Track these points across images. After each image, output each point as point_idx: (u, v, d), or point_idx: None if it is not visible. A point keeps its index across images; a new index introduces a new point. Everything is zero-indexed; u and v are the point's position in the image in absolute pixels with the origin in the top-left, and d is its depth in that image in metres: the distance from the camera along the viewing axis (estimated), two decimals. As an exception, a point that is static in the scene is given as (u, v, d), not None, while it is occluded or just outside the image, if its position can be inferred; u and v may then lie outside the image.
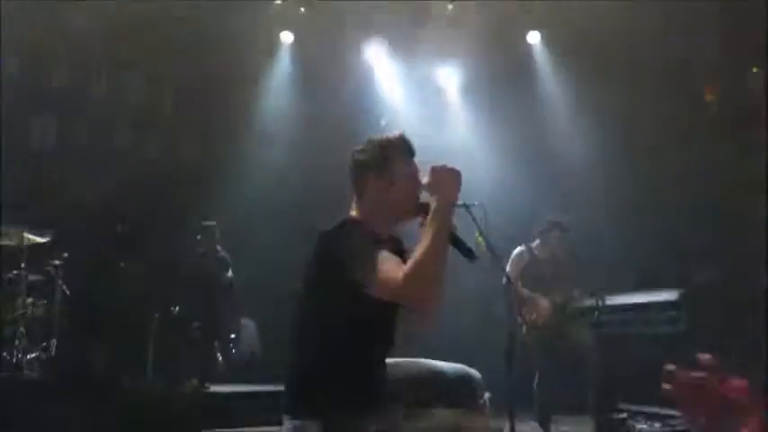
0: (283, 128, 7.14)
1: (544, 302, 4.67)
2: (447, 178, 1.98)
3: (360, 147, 2.17)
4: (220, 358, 6.44)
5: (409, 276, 1.83)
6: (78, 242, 5.77)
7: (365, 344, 1.99)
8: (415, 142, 2.21)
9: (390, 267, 1.87)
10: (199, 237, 6.23)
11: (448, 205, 1.96)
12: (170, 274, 6.16)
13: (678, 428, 4.23)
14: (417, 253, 1.87)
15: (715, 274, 5.81)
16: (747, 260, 5.39)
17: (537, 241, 4.92)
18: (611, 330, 4.96)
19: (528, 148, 6.68)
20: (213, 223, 6.26)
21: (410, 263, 1.86)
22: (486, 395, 2.24)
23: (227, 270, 6.27)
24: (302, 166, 7.24)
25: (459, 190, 1.98)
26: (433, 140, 6.91)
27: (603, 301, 4.60)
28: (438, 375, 2.18)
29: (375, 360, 2.06)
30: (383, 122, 7.87)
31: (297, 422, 1.98)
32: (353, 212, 2.15)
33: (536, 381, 4.71)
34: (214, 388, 5.88)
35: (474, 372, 2.21)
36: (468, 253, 2.08)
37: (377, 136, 2.18)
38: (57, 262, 5.42)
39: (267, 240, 6.84)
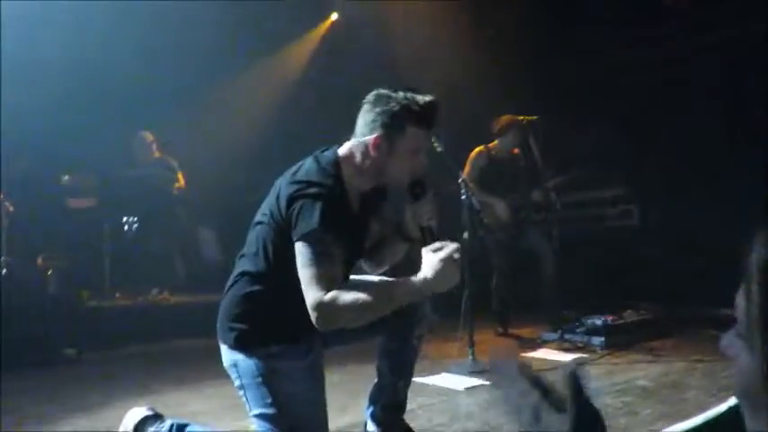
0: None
1: (501, 205, 4.69)
2: (450, 272, 1.76)
3: (383, 92, 1.93)
4: (181, 269, 6.40)
5: (329, 306, 1.72)
6: (15, 158, 5.49)
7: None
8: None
9: (323, 275, 1.74)
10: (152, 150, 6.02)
11: (426, 291, 1.78)
12: (115, 186, 5.96)
13: (629, 320, 4.39)
14: (357, 298, 1.72)
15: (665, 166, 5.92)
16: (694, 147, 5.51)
17: (495, 142, 4.86)
18: (567, 228, 5.04)
19: (486, 43, 6.45)
20: (143, 132, 6.02)
21: (343, 299, 1.72)
22: (435, 317, 2.26)
23: (174, 177, 6.09)
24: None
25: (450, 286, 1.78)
26: (382, 35, 6.67)
27: (559, 199, 4.63)
28: None
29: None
30: (334, 16, 7.50)
31: (236, 354, 1.95)
32: (345, 150, 1.98)
33: (494, 281, 4.82)
34: (176, 299, 5.90)
35: None
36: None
37: (405, 94, 1.91)
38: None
39: (228, 149, 6.66)
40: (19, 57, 5.33)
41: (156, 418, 2.15)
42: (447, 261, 1.75)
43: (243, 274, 1.98)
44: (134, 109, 6.09)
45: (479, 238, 4.28)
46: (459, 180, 3.76)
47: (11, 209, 5.25)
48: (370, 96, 1.96)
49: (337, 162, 1.94)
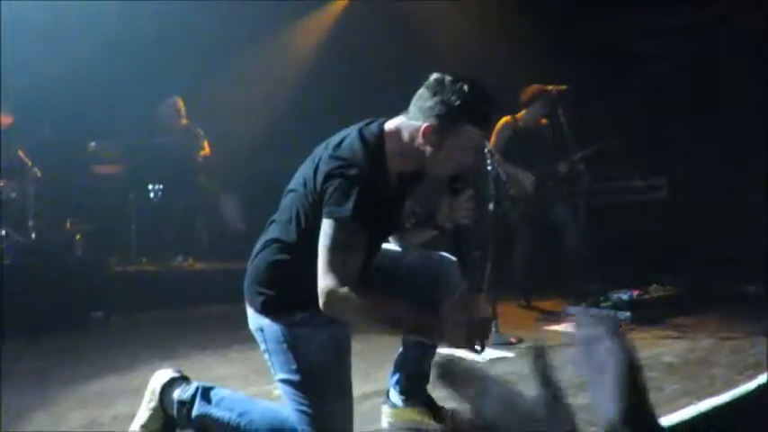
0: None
1: (525, 176, 4.62)
2: (474, 331, 1.69)
3: (447, 80, 1.81)
4: (204, 236, 6.47)
5: (339, 301, 1.70)
6: (44, 124, 5.55)
7: None
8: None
9: (341, 263, 1.71)
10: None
11: (438, 340, 1.80)
12: (140, 153, 5.98)
13: (654, 295, 4.34)
14: (367, 309, 1.70)
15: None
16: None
17: (523, 112, 4.77)
18: (593, 200, 4.97)
19: (518, 17, 6.28)
20: (175, 97, 6.00)
21: (355, 302, 1.69)
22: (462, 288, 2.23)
23: (200, 143, 6.10)
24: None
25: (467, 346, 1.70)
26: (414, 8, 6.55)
27: (586, 171, 4.55)
28: (422, 266, 2.14)
29: None
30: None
31: (262, 319, 1.94)
32: (393, 126, 1.90)
33: (517, 253, 4.78)
34: (200, 265, 5.96)
35: (451, 258, 2.17)
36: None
37: (468, 87, 1.79)
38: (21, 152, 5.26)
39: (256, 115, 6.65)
40: (43, 23, 5.34)
41: (183, 380, 2.17)
42: (475, 324, 1.70)
43: (273, 240, 1.97)
44: (159, 77, 6.07)
45: (504, 210, 4.23)
46: (485, 150, 3.70)
47: (38, 175, 5.32)
48: (432, 81, 1.85)
49: (382, 137, 1.88)
